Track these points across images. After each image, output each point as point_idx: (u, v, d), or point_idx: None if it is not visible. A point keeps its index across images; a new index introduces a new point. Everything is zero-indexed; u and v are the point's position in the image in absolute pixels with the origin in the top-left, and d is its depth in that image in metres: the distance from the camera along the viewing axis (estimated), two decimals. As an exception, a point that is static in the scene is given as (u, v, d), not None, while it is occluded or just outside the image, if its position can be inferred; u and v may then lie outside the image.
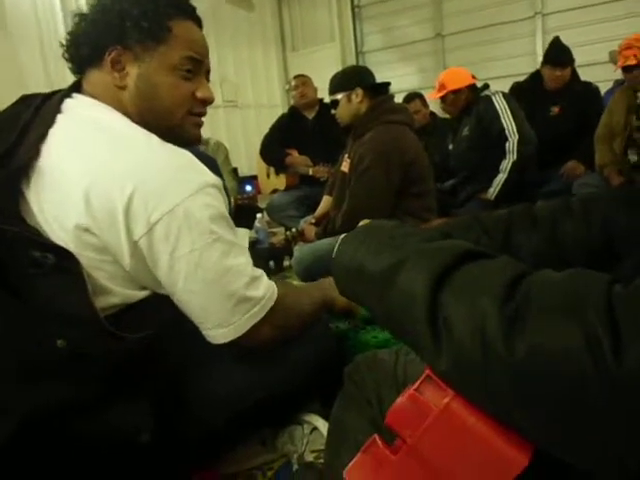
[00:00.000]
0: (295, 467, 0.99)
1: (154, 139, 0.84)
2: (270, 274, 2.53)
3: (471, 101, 2.92)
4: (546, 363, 0.35)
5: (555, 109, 3.13)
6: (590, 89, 3.15)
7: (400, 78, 5.08)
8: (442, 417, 0.42)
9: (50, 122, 0.83)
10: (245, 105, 5.91)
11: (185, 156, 0.85)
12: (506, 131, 2.74)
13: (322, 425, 1.03)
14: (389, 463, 0.45)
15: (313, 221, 2.56)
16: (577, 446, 0.36)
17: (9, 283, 0.70)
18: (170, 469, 0.91)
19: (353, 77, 2.19)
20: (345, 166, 2.24)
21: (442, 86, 2.95)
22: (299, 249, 2.42)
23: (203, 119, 0.99)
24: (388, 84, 2.25)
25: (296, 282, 2.44)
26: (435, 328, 0.41)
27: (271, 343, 0.91)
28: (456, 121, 3.06)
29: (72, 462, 0.76)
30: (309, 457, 1.00)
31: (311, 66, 5.26)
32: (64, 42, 0.91)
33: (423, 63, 5.44)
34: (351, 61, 5.75)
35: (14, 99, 0.90)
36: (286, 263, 2.70)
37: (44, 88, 0.97)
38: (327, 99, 2.36)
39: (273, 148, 3.51)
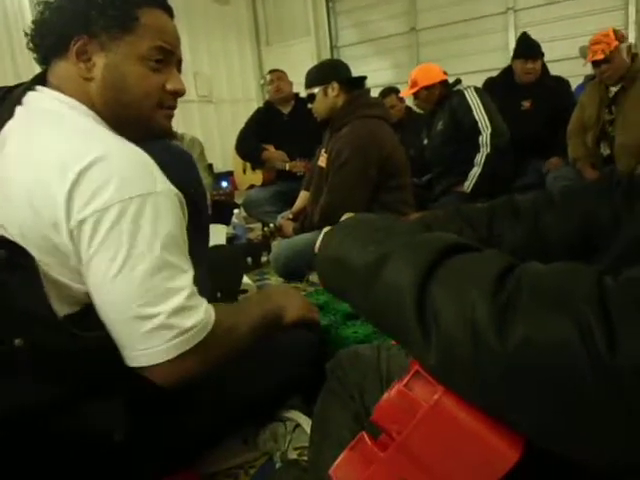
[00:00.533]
0: (278, 465, 0.98)
1: (110, 135, 0.81)
2: (248, 270, 2.52)
3: (444, 96, 2.97)
4: (538, 354, 0.34)
5: (526, 104, 3.19)
6: (561, 83, 3.22)
7: (375, 72, 5.07)
8: (432, 413, 0.41)
9: (8, 115, 0.80)
10: (220, 100, 5.85)
11: (141, 157, 0.79)
12: (479, 124, 2.79)
13: (305, 422, 1.02)
14: (377, 460, 0.45)
15: (291, 216, 2.55)
16: (572, 439, 0.35)
17: None
18: (148, 469, 0.89)
19: (329, 71, 2.19)
20: (322, 161, 2.23)
21: (414, 83, 3.00)
22: (277, 245, 2.41)
23: (175, 112, 0.96)
24: (364, 78, 2.25)
25: (274, 278, 2.43)
26: (424, 322, 0.41)
27: (197, 375, 0.81)
28: (430, 116, 3.10)
29: (43, 462, 0.74)
30: (292, 454, 0.99)
31: (286, 60, 5.23)
32: (28, 31, 0.87)
33: (398, 57, 5.45)
34: (326, 55, 5.73)
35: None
36: (264, 259, 2.68)
37: (12, 80, 0.94)
38: (303, 93, 2.35)
39: (249, 143, 3.48)
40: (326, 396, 0.82)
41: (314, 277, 2.14)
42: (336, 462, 0.49)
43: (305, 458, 0.94)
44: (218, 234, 2.41)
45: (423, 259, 0.43)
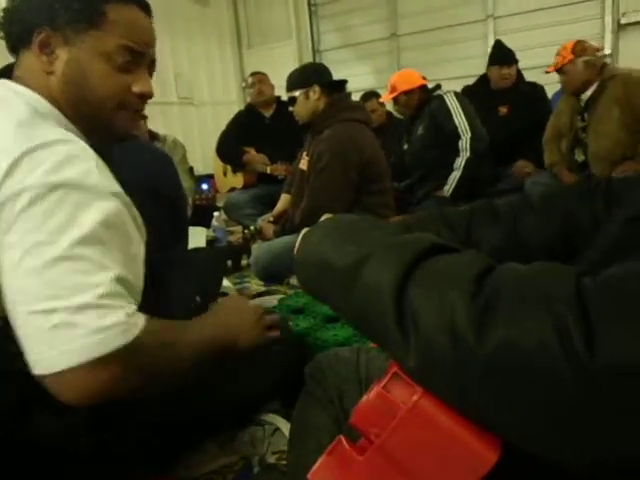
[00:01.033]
0: (256, 469, 0.97)
1: (54, 128, 0.76)
2: (228, 273, 2.50)
3: (424, 101, 3.01)
4: (517, 356, 0.34)
5: (503, 109, 3.26)
6: (536, 89, 3.32)
7: (356, 77, 5.09)
8: (411, 415, 0.40)
9: None
10: (200, 102, 5.81)
11: (81, 152, 0.74)
12: (459, 129, 2.82)
13: (284, 425, 1.01)
14: (356, 464, 0.44)
15: (271, 219, 2.54)
16: (552, 440, 0.35)
17: None
18: (120, 474, 0.87)
19: (311, 74, 2.19)
20: (303, 164, 2.23)
21: (394, 88, 3.04)
22: (257, 248, 2.39)
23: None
24: (345, 81, 2.26)
25: (254, 281, 2.42)
26: (403, 324, 0.40)
27: (127, 388, 0.69)
28: (410, 121, 3.12)
29: (6, 469, 0.71)
30: (271, 459, 0.98)
31: (268, 63, 5.21)
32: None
33: (379, 63, 5.47)
34: (308, 59, 5.73)
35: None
36: (244, 262, 2.66)
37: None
38: (285, 97, 2.35)
39: (230, 146, 3.47)
40: (305, 399, 0.81)
41: (294, 280, 2.13)
42: (314, 466, 0.48)
43: (284, 462, 0.93)
44: (198, 236, 2.39)
45: (402, 260, 0.43)
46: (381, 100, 3.61)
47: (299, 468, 0.72)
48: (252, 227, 2.51)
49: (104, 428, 0.78)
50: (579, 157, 2.81)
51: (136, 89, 0.85)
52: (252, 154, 3.41)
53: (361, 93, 3.89)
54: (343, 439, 0.47)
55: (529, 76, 3.41)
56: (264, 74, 3.52)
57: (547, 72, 2.83)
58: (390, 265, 0.43)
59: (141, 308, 0.79)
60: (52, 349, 0.64)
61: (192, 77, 5.68)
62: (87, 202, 0.70)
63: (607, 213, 0.66)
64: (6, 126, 0.72)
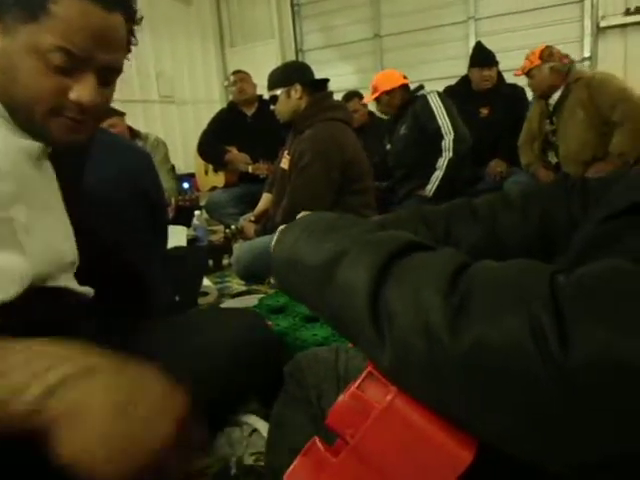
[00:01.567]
0: (233, 471, 0.96)
1: None
2: (209, 272, 2.48)
3: (406, 101, 3.02)
4: (491, 355, 0.34)
5: (485, 111, 3.30)
6: (516, 91, 3.36)
7: (339, 77, 5.08)
8: (385, 415, 0.40)
9: None
10: (182, 101, 5.75)
11: None
12: (442, 129, 2.83)
13: (262, 426, 1.00)
14: (330, 465, 0.43)
15: (253, 218, 2.52)
16: (528, 440, 0.35)
17: None
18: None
19: (292, 73, 2.18)
20: (285, 163, 2.22)
21: (375, 88, 3.06)
22: (238, 247, 2.38)
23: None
24: (327, 80, 2.25)
25: (235, 281, 2.40)
26: (377, 322, 0.40)
27: None
28: (393, 121, 3.13)
29: None
30: (248, 460, 0.97)
31: (250, 62, 5.18)
32: None
33: (362, 63, 5.48)
34: (291, 58, 5.70)
35: None
36: (225, 261, 2.64)
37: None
38: (267, 96, 2.34)
39: (211, 145, 3.44)
40: (283, 399, 0.80)
41: (275, 280, 2.12)
42: (289, 468, 0.48)
43: (261, 463, 0.92)
44: (178, 235, 2.37)
45: (377, 258, 0.42)
46: (364, 102, 3.62)
47: (276, 469, 0.71)
48: (233, 226, 2.49)
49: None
50: (552, 159, 2.89)
51: (73, 96, 0.74)
52: (234, 153, 3.38)
53: (344, 93, 3.89)
54: (317, 440, 0.46)
55: (510, 78, 3.44)
56: (246, 73, 3.50)
57: (516, 75, 2.95)
58: (365, 263, 0.42)
59: (120, 306, 0.77)
60: None
61: (174, 75, 5.63)
62: None
63: (584, 213, 0.66)
64: None
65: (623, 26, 4.07)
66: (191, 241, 2.65)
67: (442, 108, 2.85)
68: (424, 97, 2.94)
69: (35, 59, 0.71)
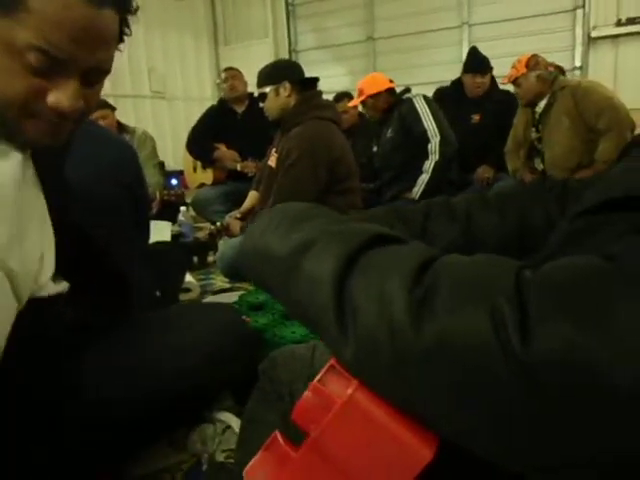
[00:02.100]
0: (205, 467, 0.95)
1: None
2: (194, 269, 2.46)
3: (392, 104, 3.02)
4: (454, 349, 0.33)
5: (476, 117, 3.30)
6: (509, 97, 3.33)
7: (332, 79, 5.09)
8: (345, 409, 0.39)
9: None
10: (173, 97, 5.73)
11: None
12: (428, 132, 2.84)
13: (235, 423, 0.99)
14: (290, 461, 0.42)
15: (239, 216, 2.51)
16: (489, 438, 0.34)
17: None
18: (70, 472, 0.84)
19: (282, 71, 2.17)
20: (272, 161, 2.21)
21: (361, 92, 3.07)
22: (223, 244, 2.36)
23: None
24: (317, 79, 2.24)
25: (220, 278, 2.38)
26: (341, 315, 0.39)
27: None
28: (379, 124, 3.14)
29: None
30: (220, 457, 0.96)
31: (244, 61, 5.16)
32: None
33: (354, 65, 5.49)
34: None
35: None
36: (210, 258, 2.63)
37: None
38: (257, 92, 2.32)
39: (201, 142, 3.42)
40: (256, 396, 0.79)
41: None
42: (250, 463, 0.47)
43: (232, 460, 0.91)
44: (163, 231, 2.35)
45: (345, 249, 0.41)
46: (350, 105, 3.61)
47: (244, 466, 0.69)
48: (218, 223, 2.47)
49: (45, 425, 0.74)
50: (538, 165, 2.92)
51: (51, 99, 0.68)
52: (222, 151, 3.36)
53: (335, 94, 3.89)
54: (279, 435, 0.45)
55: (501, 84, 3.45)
56: (238, 70, 3.48)
57: (503, 83, 2.98)
58: (332, 254, 0.41)
59: (101, 302, 0.75)
60: None
61: (166, 71, 5.60)
62: None
63: (561, 213, 0.66)
64: None
65: (614, 37, 4.12)
66: (176, 237, 2.63)
67: (428, 111, 2.86)
68: (410, 100, 2.95)
69: (9, 58, 0.64)
